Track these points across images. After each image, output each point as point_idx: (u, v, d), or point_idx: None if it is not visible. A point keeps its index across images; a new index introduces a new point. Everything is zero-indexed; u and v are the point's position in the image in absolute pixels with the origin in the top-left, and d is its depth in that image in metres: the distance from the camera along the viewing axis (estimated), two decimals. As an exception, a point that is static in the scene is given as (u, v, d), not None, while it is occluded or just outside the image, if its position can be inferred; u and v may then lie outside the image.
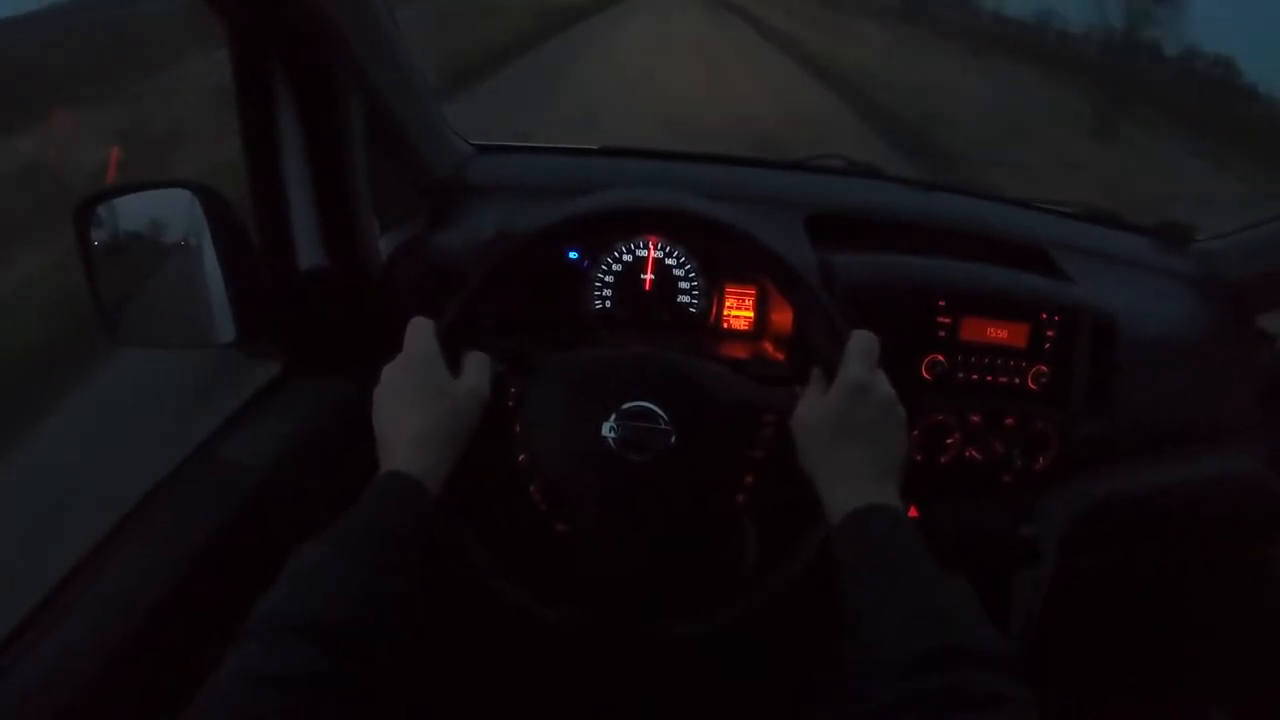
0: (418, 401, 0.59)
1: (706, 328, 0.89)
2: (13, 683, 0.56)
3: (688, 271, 0.88)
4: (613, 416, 0.63)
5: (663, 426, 0.63)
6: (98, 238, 0.69)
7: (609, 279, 0.87)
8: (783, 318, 0.87)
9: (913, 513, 0.84)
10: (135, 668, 0.61)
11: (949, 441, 0.83)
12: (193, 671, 0.44)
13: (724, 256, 0.87)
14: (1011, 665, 0.46)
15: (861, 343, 0.63)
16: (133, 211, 0.72)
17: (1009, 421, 0.83)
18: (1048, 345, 0.83)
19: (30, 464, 1.64)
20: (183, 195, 0.71)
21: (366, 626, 0.47)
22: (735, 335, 0.90)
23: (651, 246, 0.87)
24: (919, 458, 0.82)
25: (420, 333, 0.63)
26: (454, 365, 0.63)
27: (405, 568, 0.52)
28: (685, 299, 0.88)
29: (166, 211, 0.73)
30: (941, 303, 0.82)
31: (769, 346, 0.89)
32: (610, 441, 0.63)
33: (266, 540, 0.71)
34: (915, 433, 0.82)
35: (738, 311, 0.90)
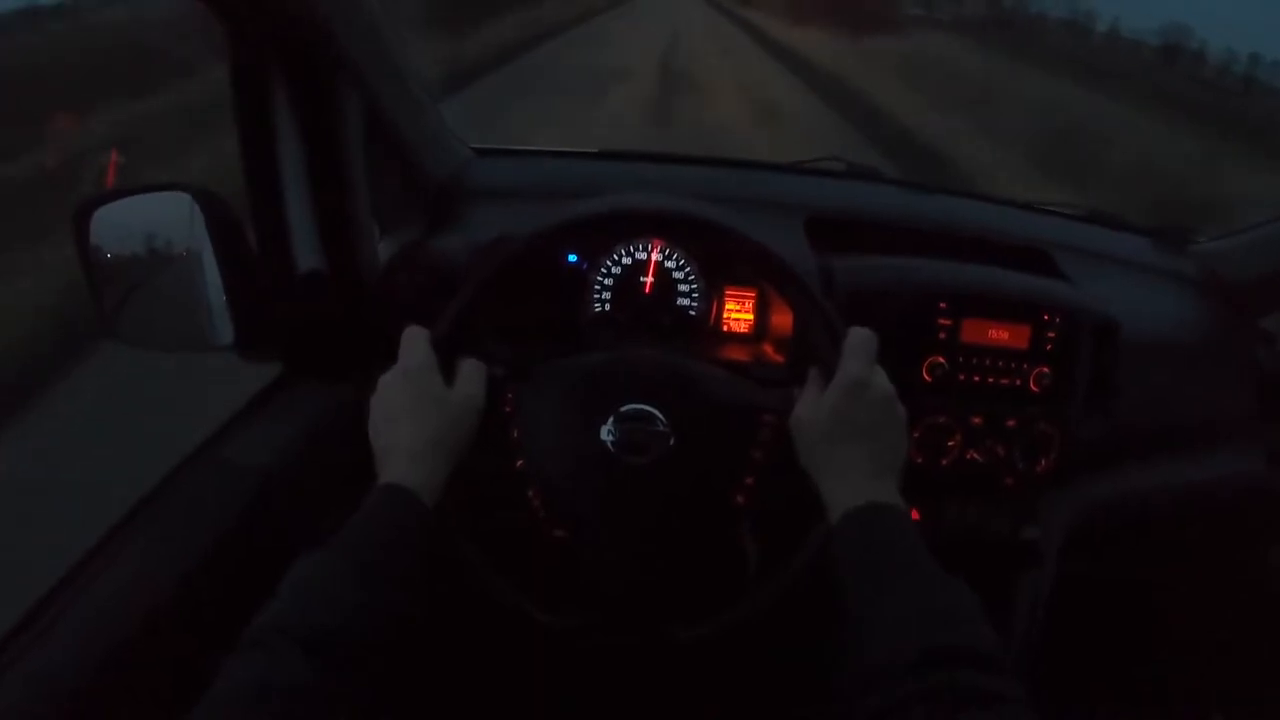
0: (414, 412, 0.59)
1: (706, 330, 0.89)
2: (11, 682, 0.56)
3: (687, 274, 0.88)
4: (610, 420, 0.63)
5: (661, 429, 0.63)
6: (98, 241, 0.70)
7: (608, 282, 0.87)
8: (783, 320, 0.87)
9: (914, 515, 0.84)
10: (135, 669, 0.61)
11: (950, 444, 0.82)
12: (193, 673, 0.44)
13: (723, 259, 0.86)
14: (1006, 666, 0.46)
15: (859, 340, 0.63)
16: (132, 215, 0.72)
17: (1010, 423, 0.83)
18: (1049, 347, 0.83)
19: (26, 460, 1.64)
20: (182, 199, 0.71)
21: (367, 636, 0.48)
22: (735, 338, 0.90)
23: (654, 249, 0.87)
24: (920, 460, 0.82)
25: (415, 343, 0.63)
26: (449, 373, 0.63)
27: (404, 578, 0.52)
28: (685, 302, 0.88)
29: (166, 215, 0.73)
30: (942, 305, 0.81)
31: (769, 349, 0.88)
32: (609, 445, 0.63)
33: (268, 541, 0.71)
34: (916, 435, 0.81)
35: (738, 314, 0.90)
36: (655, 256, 0.87)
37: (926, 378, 0.82)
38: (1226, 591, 1.10)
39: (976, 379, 0.82)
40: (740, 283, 0.89)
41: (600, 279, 0.87)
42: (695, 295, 0.88)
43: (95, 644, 0.60)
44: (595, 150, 1.08)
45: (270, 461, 0.76)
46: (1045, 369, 0.83)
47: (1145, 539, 0.99)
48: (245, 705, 0.42)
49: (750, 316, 0.90)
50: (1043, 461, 0.84)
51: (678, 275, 0.88)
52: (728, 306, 0.89)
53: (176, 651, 0.62)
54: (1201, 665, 1.13)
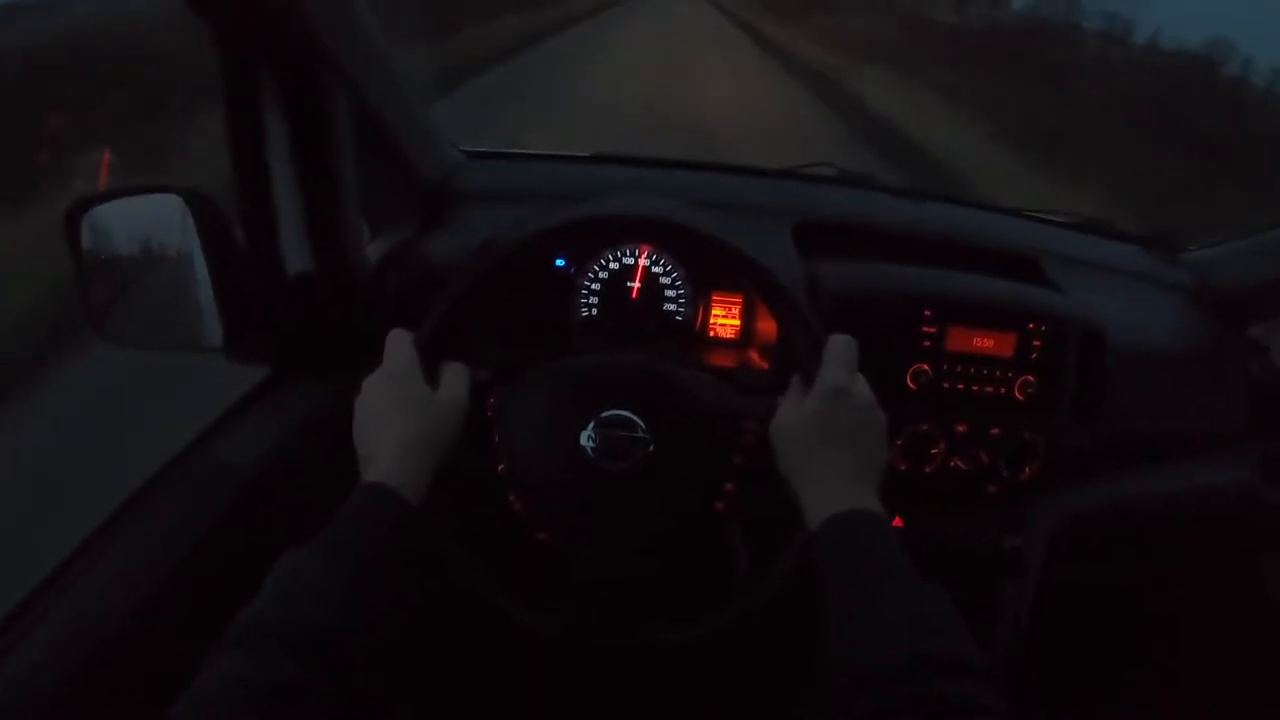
0: (398, 414, 0.60)
1: (693, 336, 0.89)
2: None
3: (674, 280, 0.88)
4: (591, 425, 0.63)
5: (641, 434, 0.63)
6: (89, 241, 0.70)
7: (596, 287, 0.88)
8: (768, 326, 0.87)
9: (897, 523, 0.84)
10: (120, 668, 0.61)
11: (934, 451, 0.82)
12: (178, 671, 0.44)
13: (711, 265, 0.87)
14: (989, 675, 0.46)
15: (839, 347, 0.63)
16: (124, 216, 0.73)
17: (995, 431, 0.83)
18: (1035, 355, 0.83)
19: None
20: (174, 201, 0.72)
21: (349, 635, 0.48)
22: (721, 344, 0.90)
23: (641, 255, 0.87)
24: (903, 467, 0.82)
25: (399, 345, 0.63)
26: (433, 376, 0.63)
27: (386, 577, 0.53)
28: (671, 307, 0.88)
29: (157, 216, 0.73)
30: (927, 312, 0.81)
31: (755, 355, 0.89)
32: (588, 450, 0.63)
33: (254, 541, 0.71)
34: (900, 442, 0.81)
35: (724, 320, 0.90)
36: (643, 262, 0.87)
37: (911, 385, 0.82)
38: (1218, 598, 1.09)
39: (961, 387, 0.82)
40: (727, 289, 0.89)
41: (588, 284, 0.88)
42: (682, 301, 0.88)
43: (79, 644, 0.60)
44: (586, 154, 1.09)
45: (257, 461, 0.76)
46: (1031, 377, 0.83)
47: (1135, 546, 0.99)
48: (231, 704, 0.42)
49: (737, 322, 0.90)
50: (1027, 470, 0.84)
51: (665, 281, 0.88)
52: (714, 312, 0.90)
53: (161, 651, 0.62)
54: (1194, 671, 1.13)
